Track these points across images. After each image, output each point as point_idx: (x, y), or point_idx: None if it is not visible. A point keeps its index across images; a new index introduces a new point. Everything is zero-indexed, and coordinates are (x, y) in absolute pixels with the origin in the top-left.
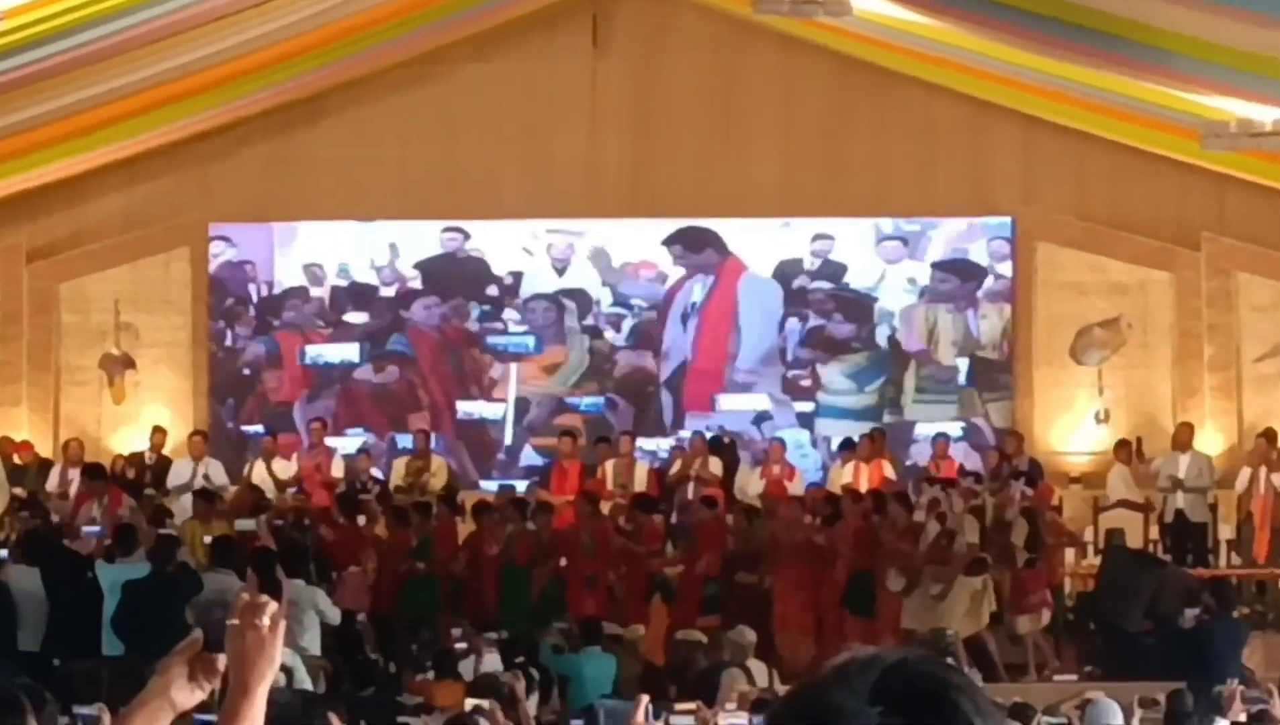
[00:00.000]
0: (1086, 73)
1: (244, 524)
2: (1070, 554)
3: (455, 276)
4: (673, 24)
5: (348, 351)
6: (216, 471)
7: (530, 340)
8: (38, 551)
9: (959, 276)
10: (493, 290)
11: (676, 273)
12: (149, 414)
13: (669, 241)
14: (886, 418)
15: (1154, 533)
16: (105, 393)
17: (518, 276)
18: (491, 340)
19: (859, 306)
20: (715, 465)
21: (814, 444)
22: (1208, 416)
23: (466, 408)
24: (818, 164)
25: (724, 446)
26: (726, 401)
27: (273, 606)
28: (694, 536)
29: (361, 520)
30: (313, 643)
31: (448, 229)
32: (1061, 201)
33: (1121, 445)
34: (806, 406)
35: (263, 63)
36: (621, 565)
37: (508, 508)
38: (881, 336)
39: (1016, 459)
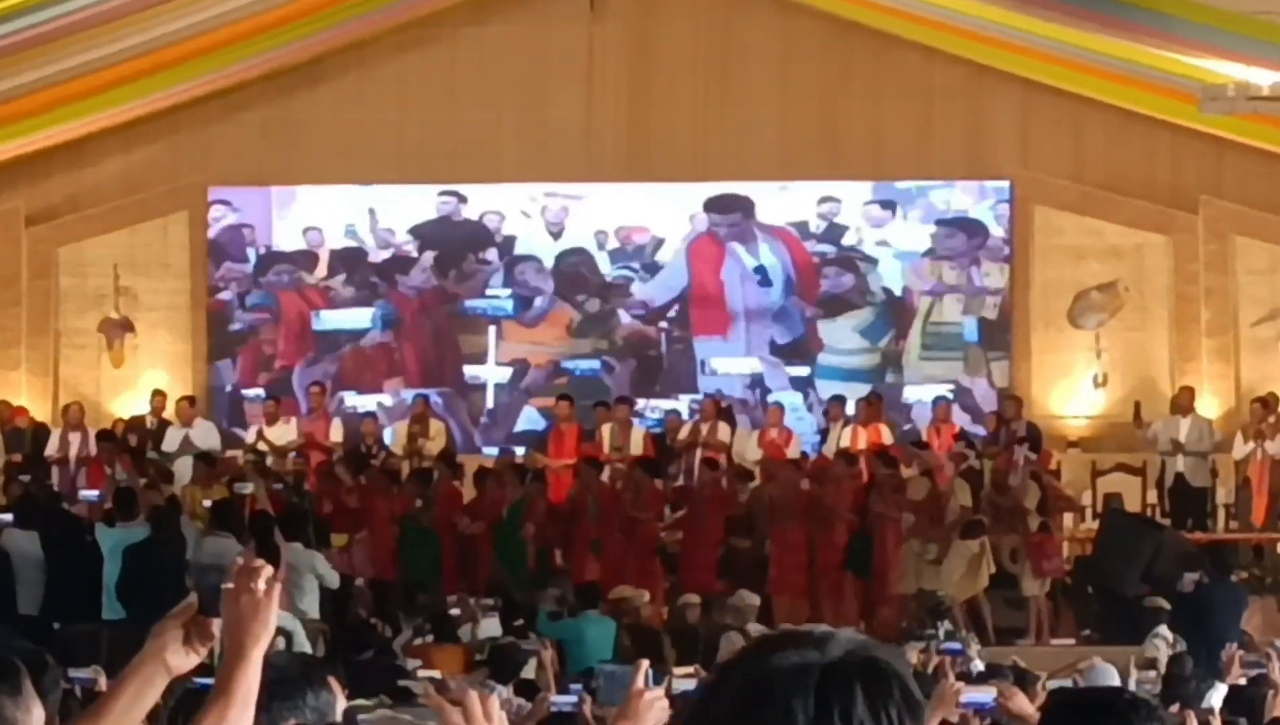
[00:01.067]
0: (1084, 36)
1: (243, 488)
2: (1069, 518)
3: (450, 240)
4: None
5: (359, 317)
6: (206, 435)
7: (511, 303)
8: (37, 515)
9: (964, 233)
10: (491, 253)
11: (674, 235)
12: (148, 378)
13: (706, 206)
14: (889, 377)
15: (1152, 497)
16: (104, 357)
17: (511, 240)
18: (478, 303)
19: (862, 265)
20: (724, 431)
21: (809, 408)
22: (1205, 380)
23: (471, 372)
24: (815, 128)
25: (723, 411)
26: (720, 364)
27: (268, 571)
28: (699, 500)
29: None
30: (311, 606)
31: (444, 192)
32: (1059, 165)
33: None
34: (802, 370)
35: (262, 26)
36: (624, 530)
37: (506, 472)
38: (885, 292)
39: (1015, 423)
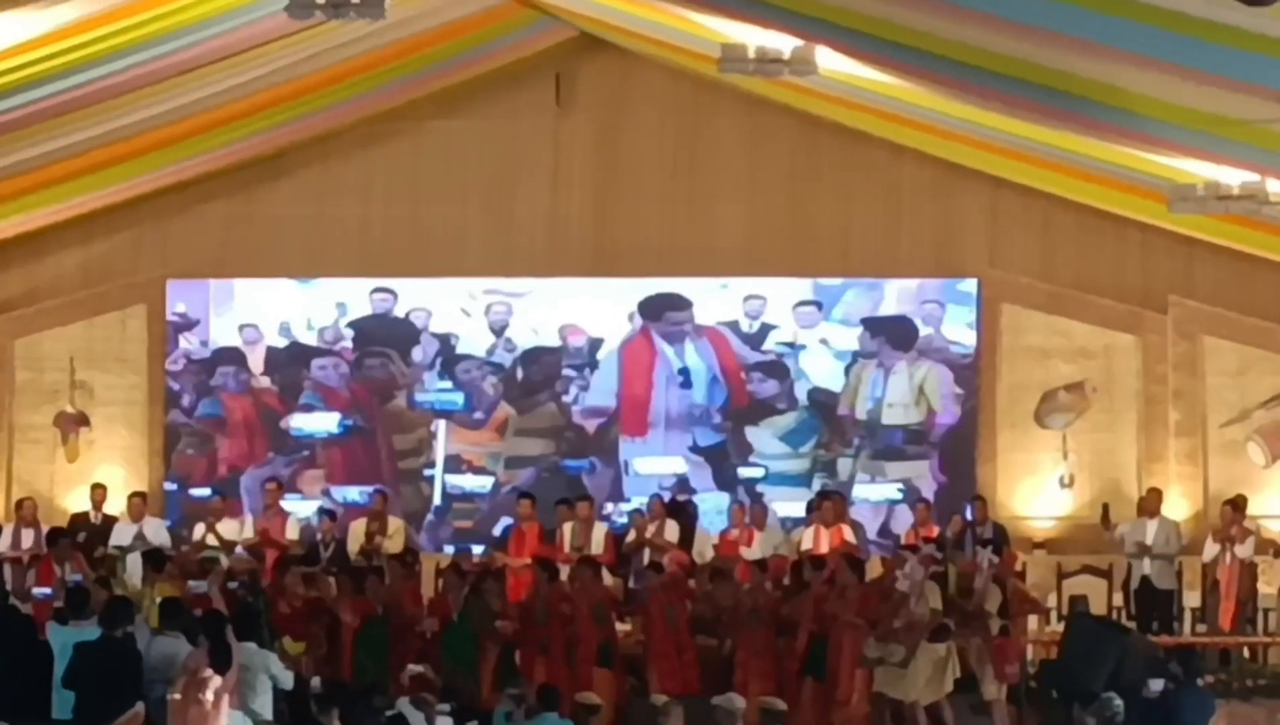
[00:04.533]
0: (1053, 134)
1: (197, 586)
2: (1033, 621)
3: (388, 337)
4: (636, 83)
5: (326, 421)
6: (157, 531)
7: (460, 397)
8: None
9: (890, 335)
10: (430, 350)
11: (616, 334)
12: (103, 473)
13: (641, 307)
14: (820, 481)
15: (1118, 600)
16: (59, 451)
17: (451, 337)
18: (425, 398)
19: (784, 368)
20: (670, 530)
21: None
22: (1173, 482)
23: (409, 467)
24: (783, 224)
25: (681, 508)
26: (643, 464)
27: (216, 681)
28: (645, 602)
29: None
30: (265, 707)
31: (377, 289)
32: (1027, 264)
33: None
34: (738, 471)
35: (224, 119)
36: (570, 632)
37: (448, 574)
38: (810, 396)
39: (981, 526)
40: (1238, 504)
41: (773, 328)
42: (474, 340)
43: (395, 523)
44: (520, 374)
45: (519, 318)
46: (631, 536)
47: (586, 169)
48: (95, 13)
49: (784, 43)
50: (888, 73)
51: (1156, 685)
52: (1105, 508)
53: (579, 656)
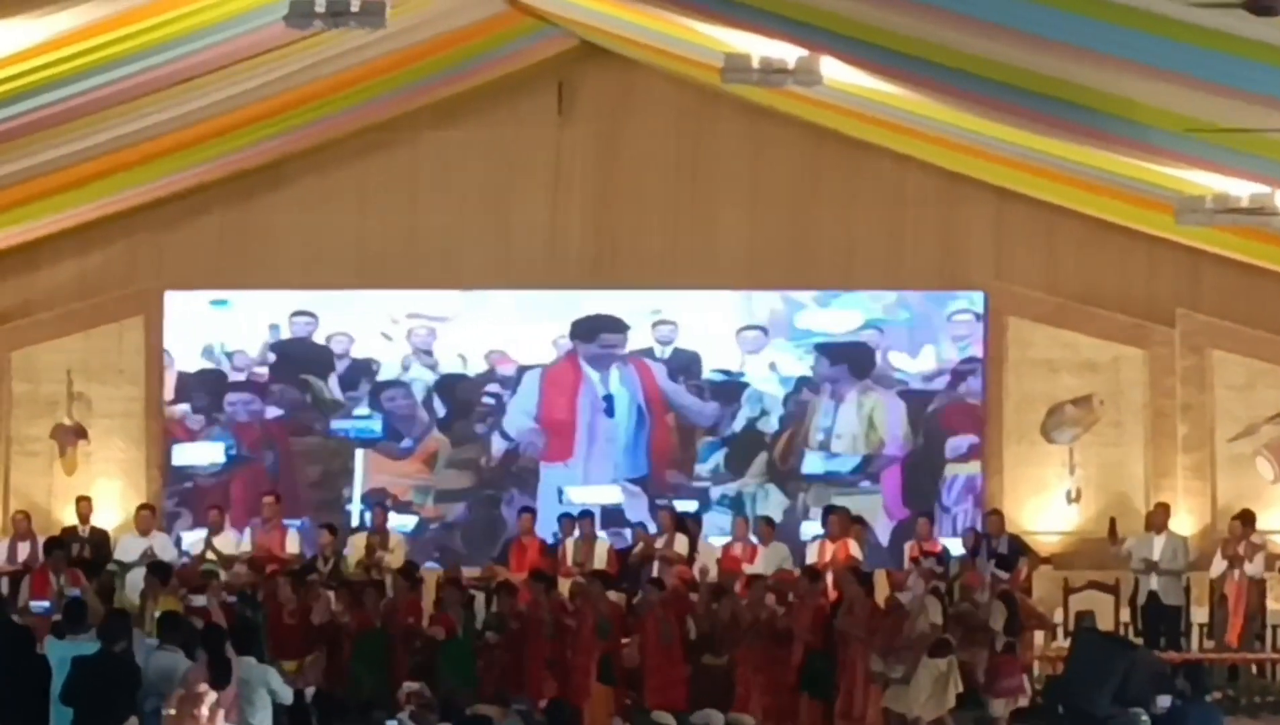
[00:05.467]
0: (1059, 145)
1: (196, 600)
2: (1039, 637)
3: (307, 361)
4: (639, 92)
5: (212, 452)
6: (165, 546)
7: (378, 424)
8: None
9: (844, 360)
10: (346, 374)
11: (544, 357)
12: (101, 486)
13: (573, 333)
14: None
15: (1125, 616)
16: (56, 464)
17: (374, 363)
18: (343, 425)
19: (726, 392)
20: (680, 543)
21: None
22: (1180, 497)
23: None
24: (785, 235)
25: (686, 523)
26: (576, 494)
27: (210, 696)
28: (648, 617)
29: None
30: (264, 722)
31: (297, 312)
32: (1033, 276)
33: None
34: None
35: (221, 129)
36: (569, 646)
37: (447, 588)
38: (756, 423)
39: (996, 539)
40: (1246, 519)
41: (695, 356)
42: (396, 364)
43: (396, 537)
44: (442, 401)
45: (443, 341)
46: (639, 549)
47: (588, 179)
48: (90, 22)
49: (788, 53)
50: (892, 83)
51: (1164, 702)
52: (1112, 522)
53: (577, 670)
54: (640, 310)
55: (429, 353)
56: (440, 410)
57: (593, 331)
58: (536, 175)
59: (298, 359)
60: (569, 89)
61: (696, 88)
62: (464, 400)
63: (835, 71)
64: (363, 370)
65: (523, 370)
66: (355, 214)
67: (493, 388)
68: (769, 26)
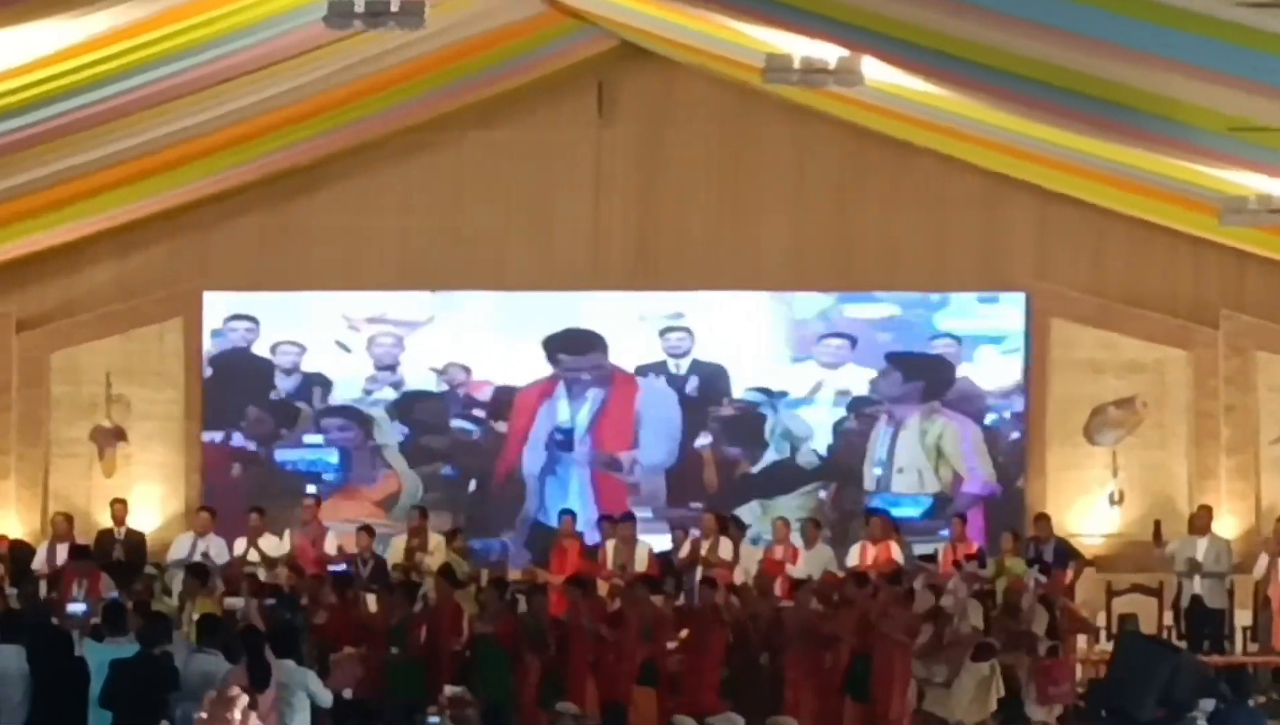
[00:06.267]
0: (1103, 146)
1: (233, 603)
2: (1082, 640)
3: (245, 376)
4: (680, 93)
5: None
6: (221, 550)
7: (334, 455)
8: (21, 630)
9: (920, 375)
10: (293, 391)
11: (525, 373)
12: (140, 489)
13: (548, 346)
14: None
15: (1168, 619)
16: (96, 466)
17: (326, 379)
18: (285, 457)
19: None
20: (725, 547)
21: None
22: (1224, 499)
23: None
24: (828, 236)
25: (728, 524)
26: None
27: (243, 700)
28: (699, 621)
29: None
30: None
31: (234, 317)
32: (1077, 277)
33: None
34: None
35: (262, 129)
36: (611, 650)
37: (488, 592)
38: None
39: (1044, 544)
40: None
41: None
42: (355, 382)
43: (435, 539)
44: (408, 426)
45: (411, 353)
46: (684, 552)
47: (629, 179)
48: (130, 22)
49: (830, 53)
50: (934, 83)
51: (1207, 705)
52: (1157, 525)
53: (621, 674)
54: (666, 313)
55: (395, 366)
56: (404, 436)
57: (563, 349)
58: (577, 176)
59: (233, 374)
60: (609, 89)
61: (738, 88)
62: (431, 423)
63: (877, 72)
64: (313, 388)
65: (504, 392)
66: (396, 215)
67: (463, 410)
68: (810, 26)
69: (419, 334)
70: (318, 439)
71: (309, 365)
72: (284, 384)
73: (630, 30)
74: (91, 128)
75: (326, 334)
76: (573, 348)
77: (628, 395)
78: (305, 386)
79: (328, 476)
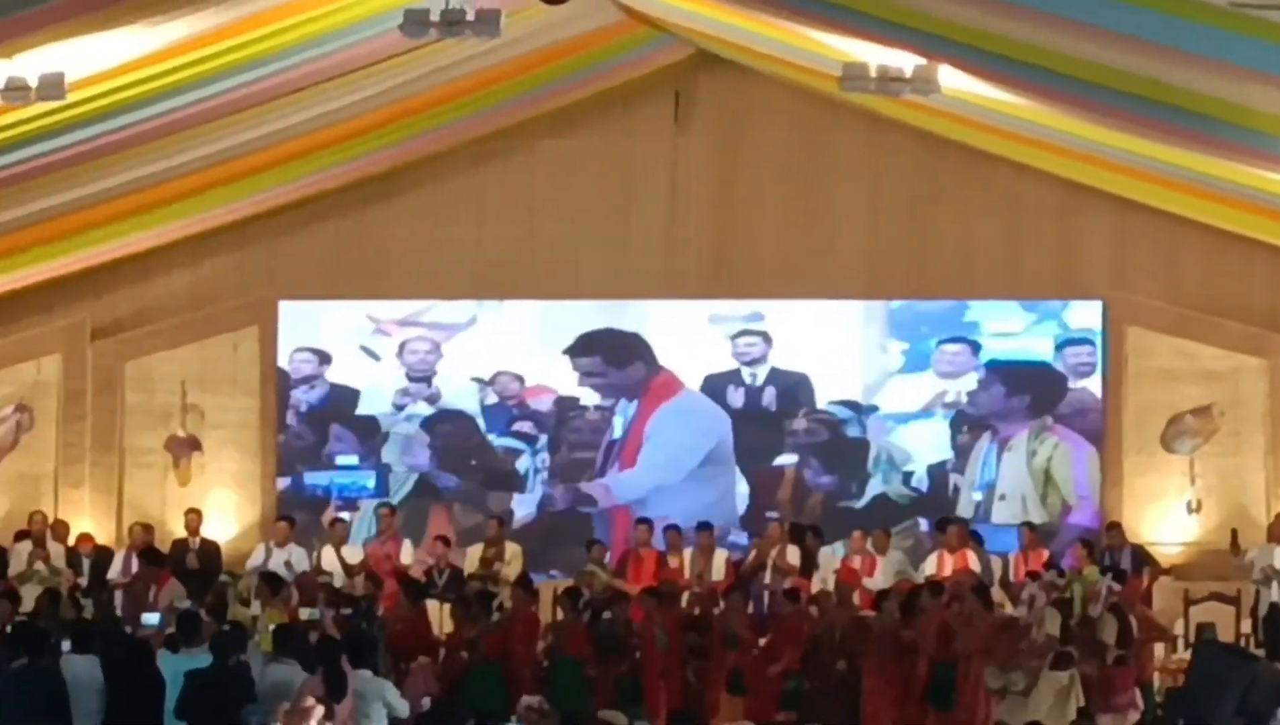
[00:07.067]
0: (1180, 154)
1: (309, 612)
2: (1159, 649)
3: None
4: (756, 101)
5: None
6: (301, 559)
7: (371, 478)
8: (96, 640)
9: (1027, 388)
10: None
11: (563, 383)
12: (215, 498)
13: (575, 351)
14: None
15: (1246, 627)
16: (170, 475)
17: (355, 390)
18: (315, 479)
19: (853, 447)
20: (793, 554)
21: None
22: None
23: None
24: (903, 244)
25: (804, 533)
26: None
27: (318, 711)
28: (773, 629)
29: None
30: None
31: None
32: (1153, 286)
33: None
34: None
35: (336, 137)
36: (694, 659)
37: (564, 601)
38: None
39: (1118, 552)
40: None
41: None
42: (385, 394)
43: (512, 548)
44: (441, 442)
45: (449, 361)
46: (751, 556)
47: (704, 188)
48: (205, 30)
49: (906, 61)
50: (1010, 91)
51: None
52: (1234, 534)
53: (709, 682)
54: (742, 315)
55: (430, 377)
56: (443, 453)
57: (588, 351)
58: (653, 185)
59: None
60: (685, 98)
61: (814, 96)
62: (463, 437)
63: (953, 80)
64: (340, 400)
65: (566, 403)
66: (472, 224)
67: (522, 425)
68: (886, 35)
69: (455, 339)
70: (352, 459)
71: (335, 375)
72: (307, 395)
73: (706, 38)
74: (165, 136)
75: (353, 338)
76: (607, 354)
77: (646, 412)
78: (330, 397)
79: (362, 500)
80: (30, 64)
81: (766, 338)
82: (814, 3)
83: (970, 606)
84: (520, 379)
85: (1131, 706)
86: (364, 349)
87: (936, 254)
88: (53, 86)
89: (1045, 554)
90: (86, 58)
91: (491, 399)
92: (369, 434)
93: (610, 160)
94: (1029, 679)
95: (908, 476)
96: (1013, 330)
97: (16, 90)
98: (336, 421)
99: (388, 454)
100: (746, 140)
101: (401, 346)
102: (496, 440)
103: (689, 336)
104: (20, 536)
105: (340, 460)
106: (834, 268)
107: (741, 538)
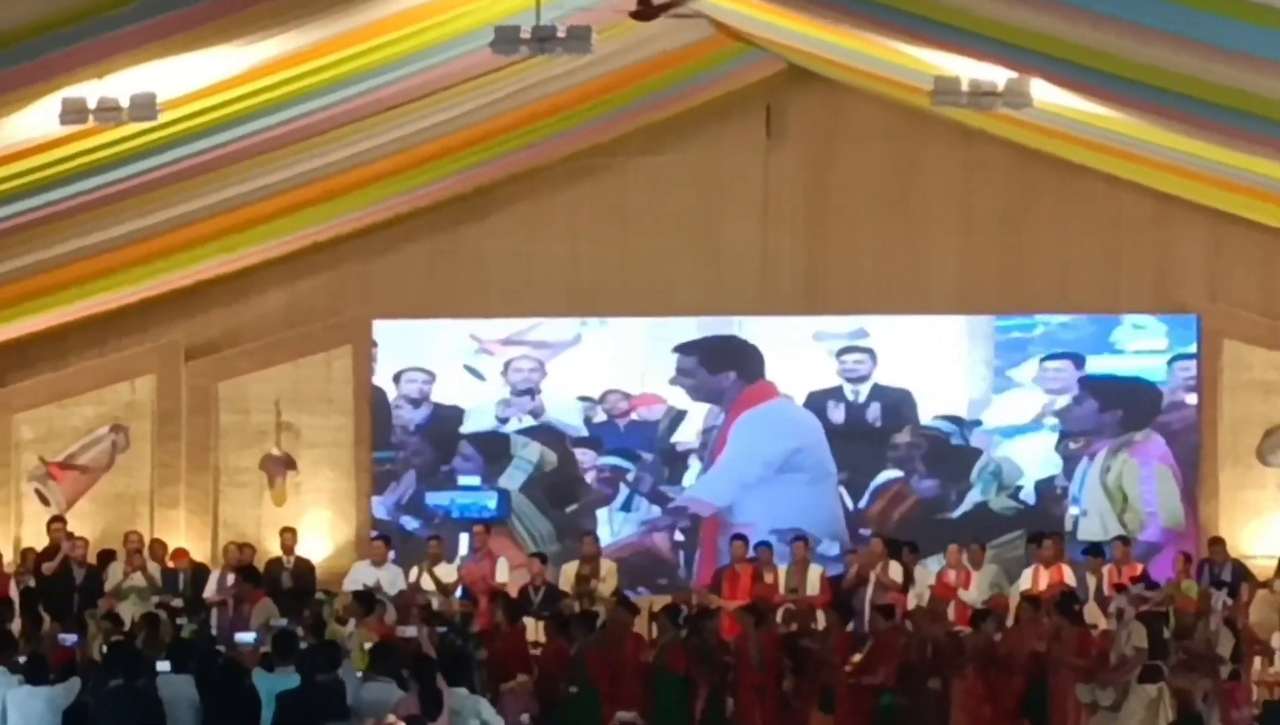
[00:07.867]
0: (1274, 167)
1: (406, 630)
2: (1258, 662)
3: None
4: (848, 115)
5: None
6: (395, 578)
7: (493, 498)
8: (192, 659)
9: (1109, 402)
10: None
11: (670, 398)
12: (311, 517)
13: (683, 350)
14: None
15: None
16: (265, 495)
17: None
18: (438, 501)
19: (957, 457)
20: (895, 570)
21: None
22: None
23: None
24: (998, 259)
25: (900, 549)
26: None
27: None
28: (871, 645)
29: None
30: None
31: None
32: (1248, 298)
33: None
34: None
35: (429, 155)
36: (790, 675)
37: (661, 617)
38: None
39: (1220, 567)
40: None
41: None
42: (489, 413)
43: (608, 565)
44: (552, 465)
45: (553, 381)
46: (852, 572)
47: (797, 203)
48: (296, 49)
49: (998, 75)
50: (1103, 104)
51: None
52: None
53: (803, 700)
54: (846, 332)
55: (535, 393)
56: (553, 478)
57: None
58: (746, 200)
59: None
60: (777, 113)
61: (906, 110)
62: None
63: (1045, 93)
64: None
65: (678, 416)
66: (565, 241)
67: (640, 443)
68: (979, 49)
69: (560, 358)
70: (474, 480)
71: (440, 395)
72: (411, 413)
73: (798, 53)
74: (257, 156)
75: (455, 357)
76: (704, 355)
77: (732, 418)
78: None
79: (484, 521)
80: (122, 85)
81: (872, 355)
82: (904, 16)
83: (1059, 621)
84: (627, 396)
85: (1250, 721)
86: (468, 368)
87: (1031, 268)
88: (144, 107)
89: (1139, 568)
90: (178, 78)
91: (600, 417)
92: (496, 455)
93: (702, 176)
94: (1119, 693)
95: (1016, 490)
96: (1117, 346)
97: (109, 111)
98: (460, 441)
99: (506, 480)
100: (838, 155)
101: (506, 365)
102: (599, 458)
103: (792, 353)
104: (106, 556)
105: (463, 481)
106: (928, 282)
107: (833, 548)
